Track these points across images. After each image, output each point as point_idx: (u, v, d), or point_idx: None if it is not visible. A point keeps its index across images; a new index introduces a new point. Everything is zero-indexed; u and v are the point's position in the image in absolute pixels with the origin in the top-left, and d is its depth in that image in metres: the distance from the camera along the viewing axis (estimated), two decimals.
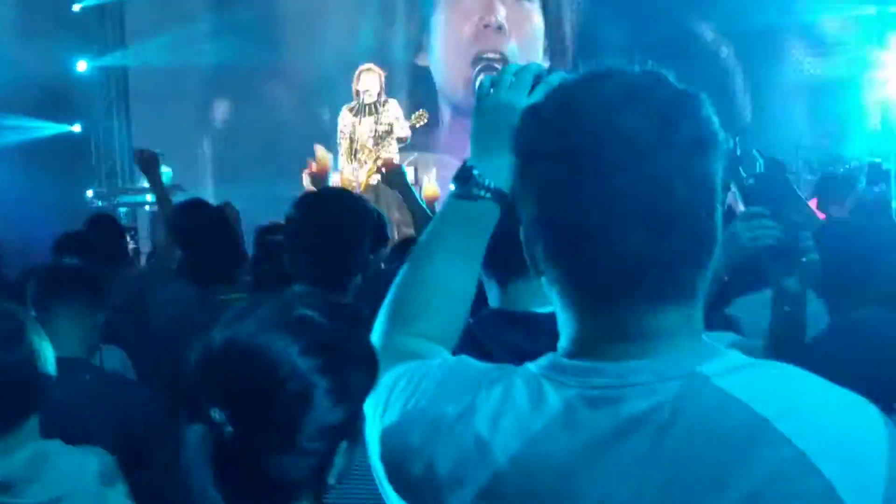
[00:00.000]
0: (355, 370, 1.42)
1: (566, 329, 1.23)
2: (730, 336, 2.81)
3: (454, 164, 11.36)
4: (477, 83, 1.60)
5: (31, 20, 11.44)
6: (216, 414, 1.35)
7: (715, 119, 1.19)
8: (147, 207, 11.22)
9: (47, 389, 2.24)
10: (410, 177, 9.93)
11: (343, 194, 3.18)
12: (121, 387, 2.99)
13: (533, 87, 1.51)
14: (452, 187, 1.55)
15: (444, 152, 11.47)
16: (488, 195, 1.50)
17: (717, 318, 3.11)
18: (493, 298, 2.09)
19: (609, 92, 1.18)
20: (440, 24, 12.60)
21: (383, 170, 4.97)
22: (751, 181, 2.42)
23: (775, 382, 1.17)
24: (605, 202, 1.15)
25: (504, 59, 12.16)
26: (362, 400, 1.39)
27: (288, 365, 1.38)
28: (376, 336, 1.48)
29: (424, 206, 4.92)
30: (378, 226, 3.59)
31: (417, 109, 10.07)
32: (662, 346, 1.18)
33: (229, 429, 1.35)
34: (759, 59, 11.60)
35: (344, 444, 1.44)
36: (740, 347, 2.66)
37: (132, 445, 2.72)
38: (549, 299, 1.26)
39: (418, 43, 12.65)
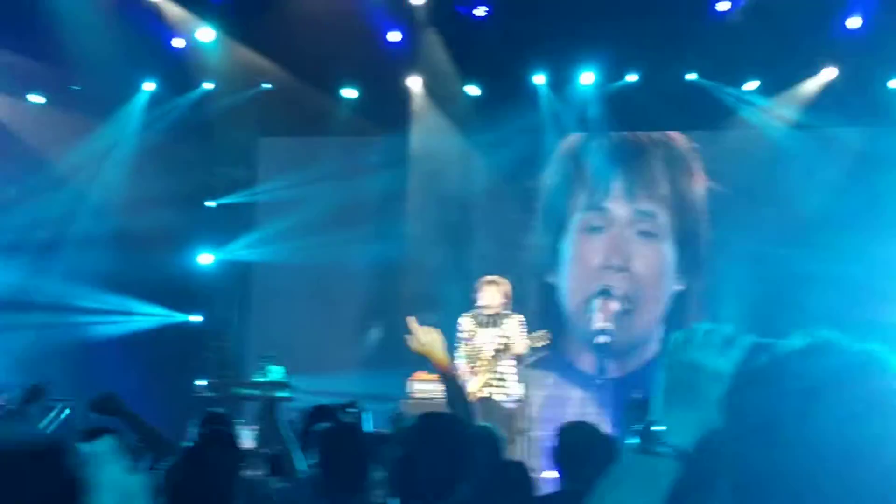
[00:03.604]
0: None
1: None
2: None
3: (559, 384, 11.41)
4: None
5: (166, 212, 12.00)
6: None
7: None
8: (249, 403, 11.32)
9: None
10: (518, 391, 9.85)
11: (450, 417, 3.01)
12: None
13: (724, 348, 1.49)
14: (633, 441, 1.52)
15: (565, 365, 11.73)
16: (671, 453, 1.48)
17: None
18: None
19: (822, 371, 1.19)
20: (569, 252, 12.87)
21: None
22: None
23: None
24: (805, 479, 1.14)
25: (627, 300, 12.36)
26: None
27: None
28: None
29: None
30: None
31: (542, 327, 9.95)
32: None
33: None
34: None
35: None
36: None
37: None
38: None
39: (549, 267, 12.87)
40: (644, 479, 1.48)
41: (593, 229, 12.77)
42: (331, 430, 3.87)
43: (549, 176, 12.92)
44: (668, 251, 12.66)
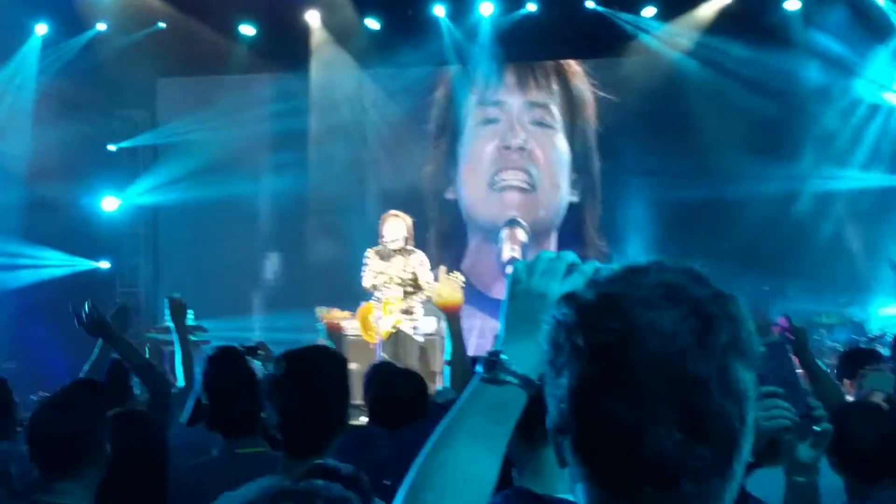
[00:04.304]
0: None
1: None
2: None
3: (473, 314, 11.46)
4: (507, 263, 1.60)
5: (68, 158, 11.78)
6: None
7: (750, 322, 1.17)
8: (168, 348, 11.25)
9: None
10: (430, 326, 9.86)
11: (323, 355, 3.07)
12: None
13: (566, 275, 1.49)
14: (479, 370, 1.50)
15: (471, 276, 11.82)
16: (516, 381, 1.46)
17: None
18: (518, 473, 2.08)
19: (647, 289, 1.16)
20: (464, 154, 13.01)
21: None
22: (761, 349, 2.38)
23: None
24: (639, 401, 1.11)
25: (528, 177, 12.63)
26: None
27: None
28: None
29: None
30: None
31: (452, 253, 9.89)
32: None
33: None
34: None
35: None
36: None
37: None
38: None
39: (447, 177, 12.99)
40: (491, 408, 1.48)
41: (489, 121, 12.96)
42: (216, 371, 3.86)
43: (445, 90, 13.04)
44: (561, 143, 12.87)
